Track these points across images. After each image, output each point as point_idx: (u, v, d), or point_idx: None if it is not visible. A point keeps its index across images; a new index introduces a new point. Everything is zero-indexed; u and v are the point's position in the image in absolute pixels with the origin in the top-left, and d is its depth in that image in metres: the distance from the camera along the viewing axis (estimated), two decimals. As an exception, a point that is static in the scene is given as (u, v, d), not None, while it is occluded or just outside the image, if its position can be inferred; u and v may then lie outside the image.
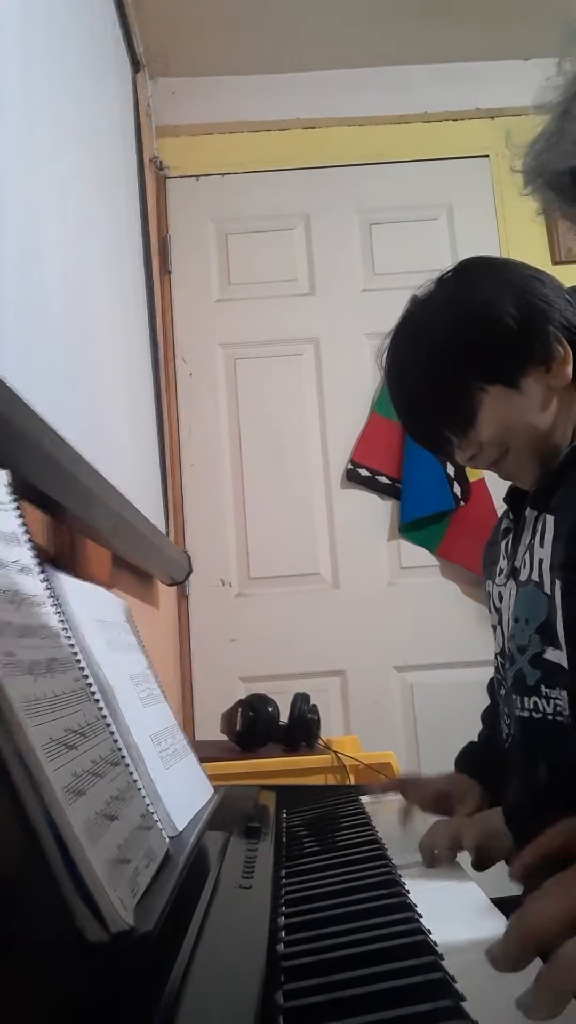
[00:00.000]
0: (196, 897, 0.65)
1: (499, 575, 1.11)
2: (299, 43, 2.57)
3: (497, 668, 1.13)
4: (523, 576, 1.01)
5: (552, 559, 0.95)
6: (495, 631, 1.13)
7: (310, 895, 0.71)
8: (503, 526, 1.14)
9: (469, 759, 1.24)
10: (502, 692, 1.10)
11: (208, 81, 2.69)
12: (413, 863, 0.87)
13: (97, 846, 0.50)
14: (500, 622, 1.10)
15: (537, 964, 0.48)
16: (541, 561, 0.97)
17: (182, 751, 0.91)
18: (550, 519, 0.97)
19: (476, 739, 1.29)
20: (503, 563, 1.10)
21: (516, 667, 1.01)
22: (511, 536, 1.10)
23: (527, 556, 1.01)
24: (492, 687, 1.23)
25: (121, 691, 0.78)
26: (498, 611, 1.10)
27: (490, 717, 1.24)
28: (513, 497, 1.14)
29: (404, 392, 1.12)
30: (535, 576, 0.98)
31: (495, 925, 0.68)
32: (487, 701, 1.28)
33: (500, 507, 2.46)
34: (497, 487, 2.44)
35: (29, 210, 1.04)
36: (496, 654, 1.13)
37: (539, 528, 0.99)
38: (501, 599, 1.09)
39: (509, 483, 1.15)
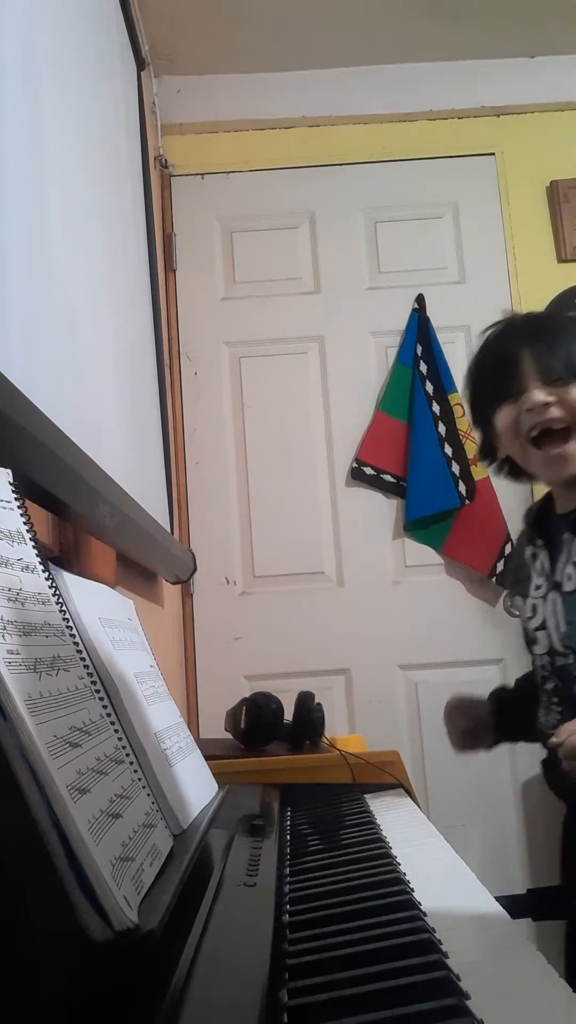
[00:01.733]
0: (200, 895, 0.65)
1: (535, 590, 1.26)
2: (304, 41, 2.57)
3: (542, 666, 1.27)
4: (569, 587, 1.19)
5: None
6: (533, 636, 1.27)
7: (314, 893, 0.71)
8: (530, 551, 1.29)
9: (493, 700, 1.46)
10: (549, 686, 1.26)
11: (213, 79, 2.68)
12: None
13: (101, 844, 0.50)
14: (544, 627, 1.24)
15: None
16: None
17: (187, 749, 0.91)
18: None
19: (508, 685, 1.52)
20: (538, 580, 1.25)
21: (570, 660, 1.20)
22: (544, 557, 1.25)
23: (572, 571, 1.19)
24: (524, 679, 1.43)
25: (125, 689, 0.78)
26: (535, 623, 1.26)
27: (525, 682, 1.43)
28: (538, 522, 1.30)
29: (546, 319, 1.31)
30: None
31: (499, 924, 0.68)
32: None
33: (505, 506, 2.47)
34: (500, 486, 2.44)
35: (34, 208, 1.04)
36: (541, 654, 1.27)
37: (572, 549, 1.19)
38: (535, 610, 1.25)
39: (521, 498, 1.29)
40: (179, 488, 2.54)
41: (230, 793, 0.98)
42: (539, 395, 1.16)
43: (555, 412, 1.16)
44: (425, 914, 0.64)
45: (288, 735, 1.53)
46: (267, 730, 1.53)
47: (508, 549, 2.47)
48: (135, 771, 0.65)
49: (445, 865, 0.86)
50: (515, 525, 2.48)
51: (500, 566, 2.47)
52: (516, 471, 1.34)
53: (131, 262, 1.84)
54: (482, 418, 1.28)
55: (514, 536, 2.48)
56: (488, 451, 1.34)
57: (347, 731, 2.38)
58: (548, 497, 1.33)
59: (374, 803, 1.12)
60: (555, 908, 1.13)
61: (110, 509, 1.14)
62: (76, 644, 0.66)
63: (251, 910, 0.65)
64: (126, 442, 1.58)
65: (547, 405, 1.16)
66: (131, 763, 0.65)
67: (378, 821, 0.99)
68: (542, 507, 1.33)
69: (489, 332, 1.31)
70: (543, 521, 1.29)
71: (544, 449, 1.18)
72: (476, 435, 1.38)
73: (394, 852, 0.83)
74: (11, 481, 0.68)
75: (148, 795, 0.67)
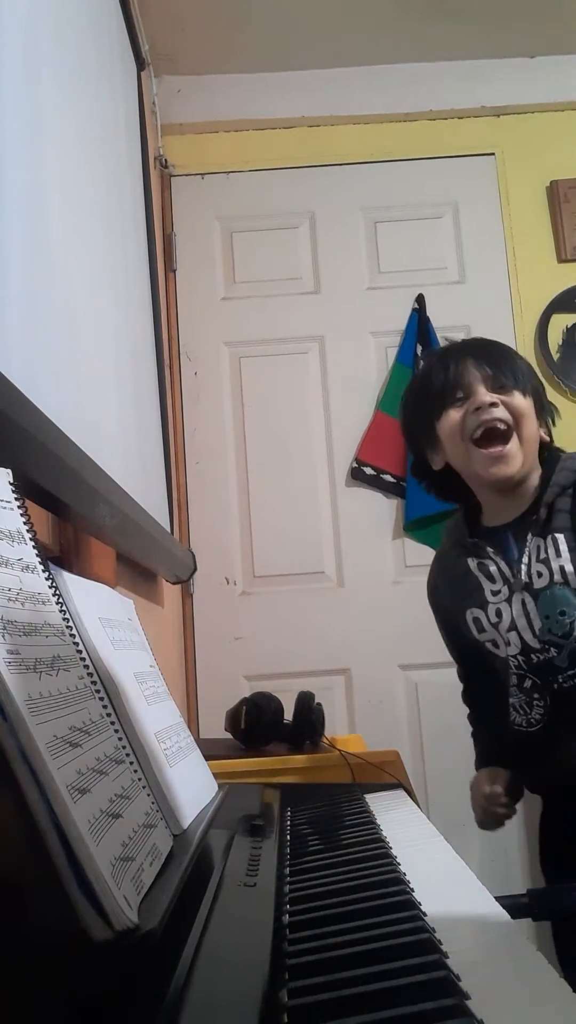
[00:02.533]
0: (200, 895, 0.65)
1: (493, 596, 1.31)
2: (304, 41, 2.57)
3: (516, 666, 1.30)
4: (540, 584, 1.25)
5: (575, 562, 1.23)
6: (505, 639, 1.30)
7: (314, 893, 0.71)
8: (473, 563, 1.34)
9: (494, 758, 1.49)
10: (526, 684, 1.28)
11: (213, 79, 2.68)
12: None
13: (101, 844, 0.50)
14: (515, 627, 1.28)
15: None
16: (563, 568, 1.23)
17: (187, 749, 0.91)
18: (560, 537, 1.24)
19: (476, 745, 1.60)
20: (495, 586, 1.31)
21: (552, 654, 1.25)
22: (499, 562, 1.30)
23: (542, 568, 1.25)
24: (472, 695, 1.54)
25: (125, 689, 0.78)
26: (504, 625, 1.29)
27: (480, 724, 1.56)
28: (477, 535, 1.35)
29: (490, 341, 1.38)
30: (558, 579, 1.23)
31: (499, 924, 0.68)
32: None
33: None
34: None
35: (34, 208, 1.04)
36: (513, 655, 1.30)
37: (546, 546, 1.25)
38: (501, 616, 1.30)
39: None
40: (179, 488, 2.54)
41: (230, 793, 0.98)
42: (486, 396, 1.26)
43: (501, 412, 1.25)
44: (425, 914, 0.64)
45: (288, 735, 1.53)
46: (267, 730, 1.53)
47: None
48: (135, 771, 0.65)
49: (445, 865, 0.86)
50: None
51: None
52: (445, 490, 1.42)
53: (131, 262, 1.84)
54: (421, 428, 1.35)
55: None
56: (421, 467, 1.42)
57: (347, 731, 2.38)
58: (469, 513, 1.40)
59: (374, 803, 1.12)
60: (551, 907, 1.14)
61: (110, 509, 1.14)
62: (76, 644, 0.66)
63: (251, 910, 0.65)
64: (126, 442, 1.58)
65: (493, 405, 1.25)
66: (131, 763, 0.65)
67: (378, 821, 0.99)
68: (469, 523, 1.39)
69: (432, 353, 1.49)
70: (479, 535, 1.35)
71: (487, 448, 1.26)
72: (411, 452, 1.45)
73: (394, 852, 0.83)
74: (11, 481, 0.68)
75: (148, 795, 0.67)
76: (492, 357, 1.30)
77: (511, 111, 2.75)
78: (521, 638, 1.28)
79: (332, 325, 2.65)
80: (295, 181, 2.72)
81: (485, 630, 1.33)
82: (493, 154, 2.74)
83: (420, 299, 2.63)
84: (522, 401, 1.27)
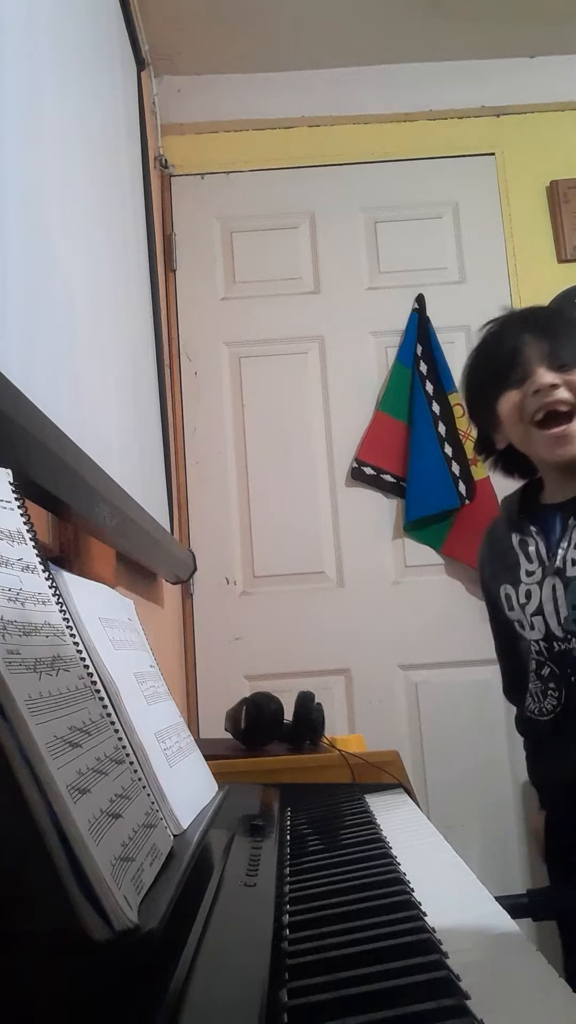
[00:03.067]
0: (200, 895, 0.65)
1: (527, 576, 1.28)
2: (304, 41, 2.57)
3: (537, 652, 1.28)
4: (573, 572, 1.22)
5: None
6: (529, 622, 1.28)
7: (314, 893, 0.71)
8: (517, 538, 1.31)
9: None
10: (544, 672, 1.27)
11: (213, 79, 2.68)
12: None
13: (101, 844, 0.50)
14: (541, 612, 1.26)
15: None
16: None
17: (187, 749, 0.91)
18: None
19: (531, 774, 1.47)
20: (530, 566, 1.28)
21: (573, 644, 1.22)
22: (539, 543, 1.28)
23: (574, 557, 1.22)
24: (512, 688, 1.43)
25: (125, 689, 0.78)
26: (531, 608, 1.27)
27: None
28: (524, 511, 1.32)
29: (548, 311, 1.38)
30: None
31: (499, 924, 0.68)
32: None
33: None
34: (500, 487, 2.43)
35: (34, 207, 1.04)
36: (536, 640, 1.28)
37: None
38: (530, 596, 1.27)
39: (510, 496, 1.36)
40: (179, 488, 2.54)
41: (230, 793, 0.98)
42: (547, 377, 1.21)
43: (562, 394, 1.21)
44: (425, 914, 0.64)
45: (288, 735, 1.53)
46: (267, 730, 1.53)
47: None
48: (135, 771, 0.65)
49: (445, 865, 0.86)
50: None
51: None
52: (510, 466, 1.38)
53: (131, 262, 1.84)
54: (482, 408, 1.31)
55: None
56: (485, 444, 1.37)
57: (347, 731, 2.38)
58: (529, 488, 1.37)
59: (374, 803, 1.12)
60: (551, 907, 1.14)
61: (110, 509, 1.14)
62: (76, 644, 0.66)
63: (251, 910, 0.65)
64: (126, 442, 1.58)
65: (554, 387, 1.20)
66: (131, 763, 0.65)
67: (378, 821, 0.99)
68: (525, 497, 1.36)
69: (489, 326, 1.34)
70: (529, 511, 1.33)
71: (549, 429, 1.22)
72: (473, 429, 1.40)
73: (394, 852, 0.83)
74: (11, 481, 0.68)
75: (148, 795, 0.67)
76: (551, 331, 1.24)
77: (511, 111, 2.75)
78: (546, 623, 1.25)
79: (332, 325, 2.65)
80: (295, 181, 2.72)
81: (513, 609, 1.31)
82: (493, 154, 2.74)
83: (420, 299, 2.63)
84: None
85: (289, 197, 2.71)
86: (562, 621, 1.23)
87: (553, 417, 1.22)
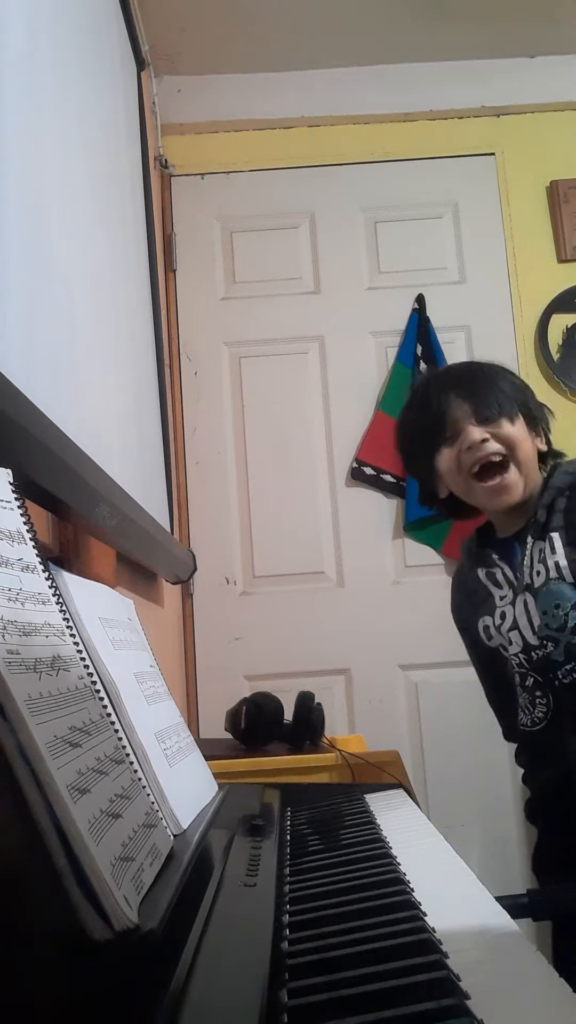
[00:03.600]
0: (200, 895, 0.65)
1: (500, 600, 1.34)
2: (304, 41, 2.57)
3: (518, 664, 1.32)
4: (539, 583, 1.27)
5: (568, 557, 1.25)
6: (507, 639, 1.32)
7: (314, 893, 0.71)
8: (483, 572, 1.37)
9: None
10: (528, 683, 1.30)
11: (213, 79, 2.68)
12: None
13: (101, 844, 0.50)
14: (516, 627, 1.30)
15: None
16: (557, 563, 1.25)
17: (187, 749, 0.91)
18: (555, 535, 1.27)
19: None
20: (501, 592, 1.34)
21: (549, 649, 1.26)
22: (504, 569, 1.34)
23: (541, 567, 1.27)
24: (521, 744, 1.41)
25: (125, 689, 0.78)
26: (506, 626, 1.32)
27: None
28: (483, 547, 1.39)
29: (469, 367, 1.41)
30: (553, 575, 1.26)
31: (499, 924, 0.68)
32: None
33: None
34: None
35: (34, 207, 1.04)
36: (516, 654, 1.32)
37: (544, 547, 1.27)
38: (504, 617, 1.33)
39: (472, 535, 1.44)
40: (179, 488, 2.54)
41: (230, 793, 0.98)
42: (475, 433, 1.27)
43: (492, 446, 1.27)
44: (425, 914, 0.64)
45: (288, 735, 1.53)
46: (267, 730, 1.53)
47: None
48: (135, 771, 0.65)
49: (445, 865, 0.86)
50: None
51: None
52: (454, 510, 1.44)
53: (131, 262, 1.84)
54: (420, 465, 1.37)
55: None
56: (428, 495, 1.42)
57: (347, 731, 2.38)
58: (483, 528, 1.43)
59: (374, 803, 1.12)
60: (551, 907, 1.13)
61: (110, 509, 1.14)
62: (76, 644, 0.66)
63: (251, 910, 0.65)
64: (126, 442, 1.58)
65: (484, 441, 1.27)
66: (131, 763, 0.65)
67: (378, 821, 0.99)
68: (481, 536, 1.43)
69: (415, 388, 1.44)
70: (489, 544, 1.39)
71: (486, 482, 1.29)
72: (414, 478, 1.47)
73: (394, 852, 0.83)
74: (11, 481, 0.68)
75: (148, 795, 0.66)
76: (473, 388, 1.31)
77: (511, 111, 2.75)
78: (522, 636, 1.30)
79: (332, 325, 2.65)
80: (295, 181, 2.72)
81: (492, 636, 1.35)
82: (493, 154, 2.74)
83: (420, 299, 2.63)
84: (511, 429, 1.28)
85: (289, 197, 2.71)
86: (536, 629, 1.28)
87: (488, 469, 1.28)
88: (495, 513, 1.37)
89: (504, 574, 1.34)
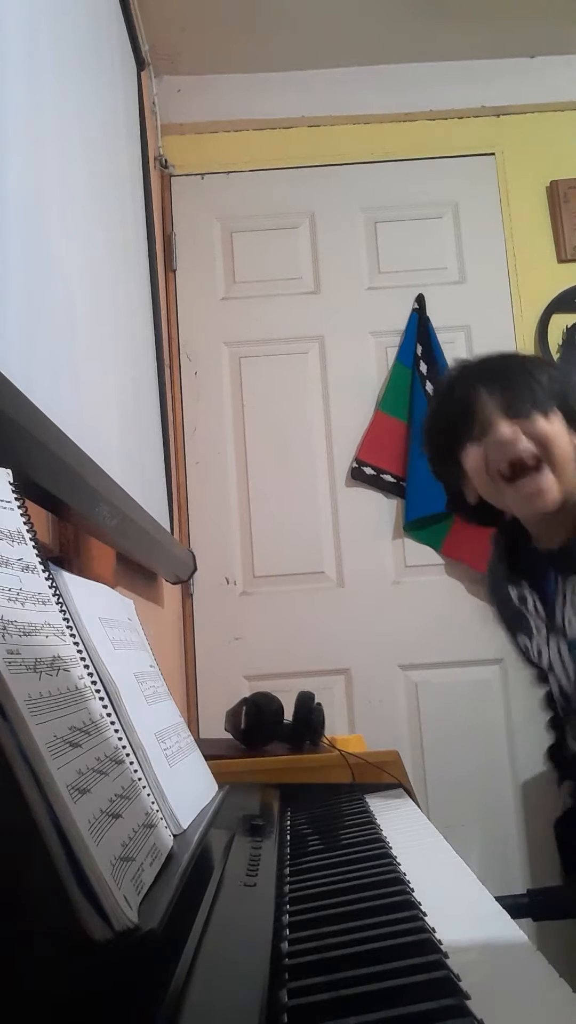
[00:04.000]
0: (200, 895, 0.65)
1: (536, 632, 1.25)
2: (304, 41, 2.57)
3: (561, 697, 1.27)
4: (572, 633, 1.18)
5: None
6: (547, 676, 1.28)
7: (314, 893, 0.71)
8: (515, 592, 1.27)
9: None
10: (573, 720, 1.26)
11: (213, 79, 2.68)
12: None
13: (101, 844, 0.50)
14: (553, 671, 1.25)
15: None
16: None
17: (187, 749, 0.91)
18: None
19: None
20: (534, 622, 1.25)
21: None
22: (535, 599, 1.24)
23: (572, 615, 1.18)
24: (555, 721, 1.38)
25: (125, 689, 0.78)
26: (544, 662, 1.26)
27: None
28: (519, 558, 1.27)
29: (500, 358, 1.24)
30: None
31: (499, 924, 0.68)
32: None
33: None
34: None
35: (34, 207, 1.04)
36: (556, 692, 1.27)
37: (571, 591, 1.18)
38: (540, 655, 1.26)
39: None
40: (179, 488, 2.54)
41: (230, 793, 0.98)
42: (505, 428, 1.13)
43: (523, 444, 1.13)
44: (425, 914, 0.64)
45: (288, 735, 1.53)
46: (267, 730, 1.53)
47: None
48: (135, 771, 0.65)
49: (445, 865, 0.86)
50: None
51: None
52: (487, 519, 1.30)
53: (131, 262, 1.84)
54: (446, 465, 1.24)
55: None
56: (457, 502, 1.29)
57: (347, 731, 2.38)
58: (517, 528, 1.28)
59: (374, 803, 1.12)
60: (555, 908, 1.13)
61: (110, 509, 1.14)
62: (76, 644, 0.66)
63: (251, 910, 0.65)
64: (126, 442, 1.58)
65: (515, 438, 1.13)
66: (131, 763, 0.65)
67: (378, 821, 0.99)
68: (513, 539, 1.29)
69: (442, 380, 1.29)
70: (521, 558, 1.26)
71: (518, 484, 1.15)
72: (440, 481, 1.31)
73: (394, 852, 0.83)
74: (11, 481, 0.68)
75: (148, 795, 0.66)
76: (505, 380, 1.16)
77: (511, 111, 2.75)
78: (559, 682, 1.23)
79: (332, 325, 2.65)
80: (295, 181, 2.72)
81: (532, 661, 1.29)
82: (493, 154, 2.74)
83: (420, 299, 2.63)
84: (546, 425, 1.13)
85: (289, 197, 2.71)
86: (572, 679, 1.20)
87: (518, 469, 1.14)
88: (531, 523, 1.24)
89: (535, 606, 1.22)
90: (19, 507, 0.67)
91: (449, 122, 2.76)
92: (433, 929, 0.60)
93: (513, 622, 1.30)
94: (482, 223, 2.70)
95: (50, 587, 0.67)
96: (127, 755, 0.65)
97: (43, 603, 0.64)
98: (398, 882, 0.72)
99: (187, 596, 2.52)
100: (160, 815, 0.68)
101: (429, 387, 2.54)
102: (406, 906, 0.65)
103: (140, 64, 2.26)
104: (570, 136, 2.73)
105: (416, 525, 2.51)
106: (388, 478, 2.54)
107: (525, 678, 1.40)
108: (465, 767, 2.42)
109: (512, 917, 0.69)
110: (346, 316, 2.65)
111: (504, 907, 0.71)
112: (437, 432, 1.24)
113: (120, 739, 0.65)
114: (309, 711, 1.54)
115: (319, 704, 1.57)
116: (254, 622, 2.51)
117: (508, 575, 1.26)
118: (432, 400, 1.30)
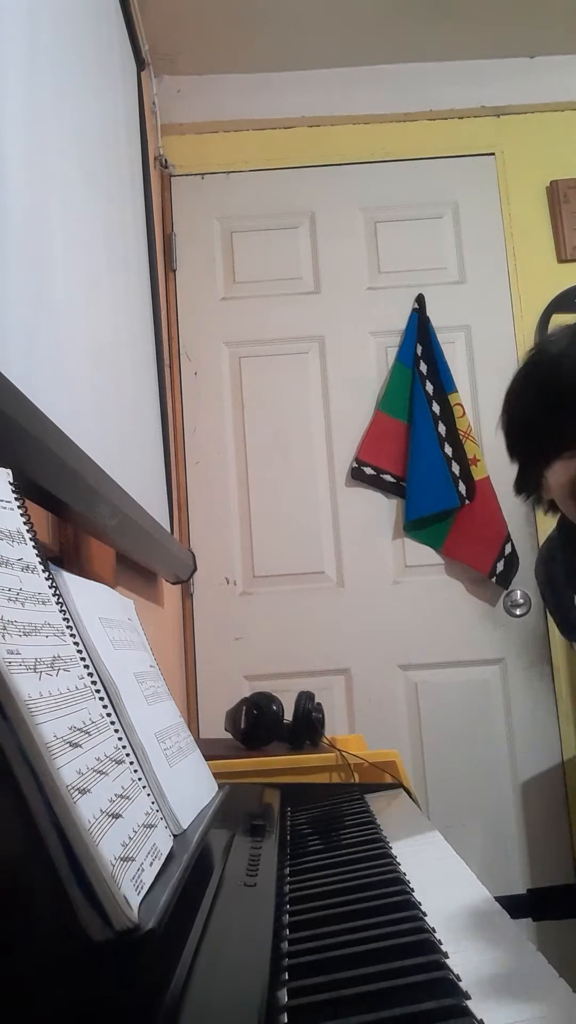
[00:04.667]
0: (200, 895, 0.65)
1: None
2: (304, 41, 2.57)
3: None
4: None
5: None
6: None
7: (314, 893, 0.71)
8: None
9: None
10: None
11: (213, 79, 2.68)
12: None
13: (101, 844, 0.50)
14: None
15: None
16: None
17: (187, 749, 0.91)
18: None
19: None
20: None
21: None
22: None
23: None
24: None
25: (126, 689, 0.78)
26: None
27: None
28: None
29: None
30: None
31: (499, 924, 0.68)
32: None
33: (505, 506, 2.46)
34: (500, 486, 2.44)
35: (34, 208, 1.04)
36: None
37: None
38: None
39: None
40: (179, 488, 2.54)
41: (230, 793, 0.98)
42: (564, 472, 1.00)
43: None
44: (425, 914, 0.64)
45: (288, 735, 1.53)
46: (267, 730, 1.53)
47: (508, 548, 2.48)
48: (135, 771, 0.65)
49: (445, 865, 0.86)
50: (515, 524, 2.49)
51: (500, 565, 2.47)
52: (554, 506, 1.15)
53: (131, 262, 1.84)
54: (528, 455, 1.09)
55: (515, 536, 2.48)
56: (527, 485, 1.13)
57: (347, 731, 2.38)
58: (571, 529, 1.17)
59: (374, 803, 1.12)
60: (555, 908, 1.13)
61: (110, 509, 1.14)
62: (76, 644, 0.66)
63: (251, 910, 0.65)
64: (126, 441, 1.58)
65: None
66: (131, 763, 0.65)
67: (378, 821, 0.99)
68: (570, 543, 1.19)
69: (551, 348, 1.06)
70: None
71: None
72: (514, 463, 1.13)
73: (394, 852, 0.83)
74: (11, 481, 0.68)
75: (148, 795, 0.66)
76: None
77: (511, 111, 2.75)
78: None
79: (332, 325, 2.65)
80: (295, 181, 2.72)
81: None
82: (493, 154, 2.74)
83: (420, 299, 2.63)
84: None
85: (289, 197, 2.71)
86: None
87: None
88: None
89: None
90: (19, 507, 0.67)
91: (449, 122, 2.76)
92: (433, 929, 0.60)
93: (572, 633, 1.25)
94: (482, 223, 2.70)
95: (50, 587, 0.67)
96: (127, 755, 0.65)
97: (43, 603, 0.64)
98: (398, 882, 0.72)
99: (187, 596, 2.52)
100: (160, 815, 0.68)
101: (429, 387, 2.54)
102: (406, 906, 0.65)
103: (140, 64, 2.26)
104: (570, 136, 2.73)
105: (416, 525, 2.52)
106: (388, 478, 2.54)
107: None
108: (465, 767, 2.43)
109: (512, 917, 0.69)
110: (346, 316, 2.65)
111: (504, 907, 0.71)
112: (523, 426, 1.07)
113: (120, 739, 0.65)
114: (309, 711, 1.54)
115: (319, 704, 1.57)
116: (254, 622, 2.51)
117: (572, 581, 1.17)
118: (526, 376, 1.07)
